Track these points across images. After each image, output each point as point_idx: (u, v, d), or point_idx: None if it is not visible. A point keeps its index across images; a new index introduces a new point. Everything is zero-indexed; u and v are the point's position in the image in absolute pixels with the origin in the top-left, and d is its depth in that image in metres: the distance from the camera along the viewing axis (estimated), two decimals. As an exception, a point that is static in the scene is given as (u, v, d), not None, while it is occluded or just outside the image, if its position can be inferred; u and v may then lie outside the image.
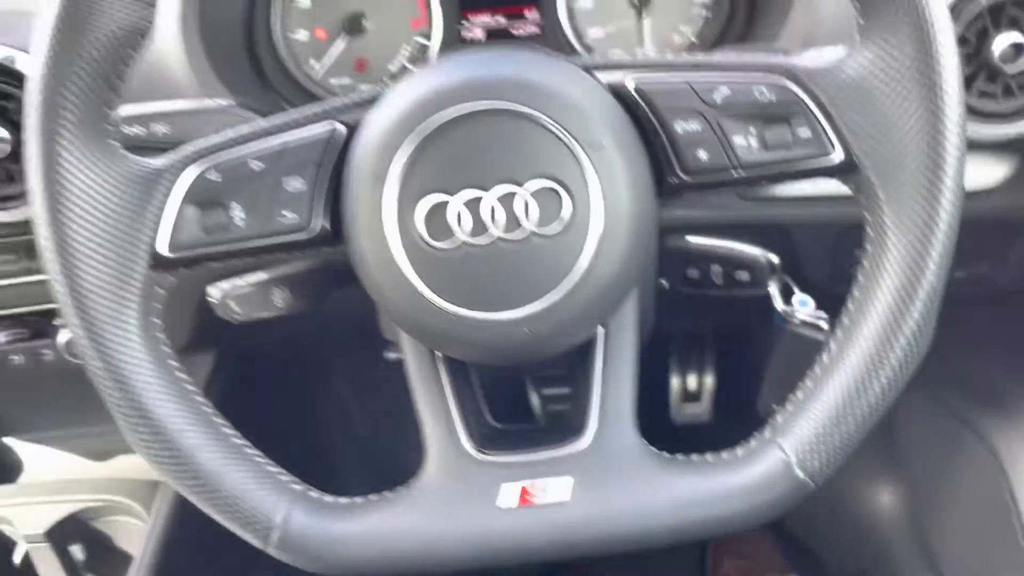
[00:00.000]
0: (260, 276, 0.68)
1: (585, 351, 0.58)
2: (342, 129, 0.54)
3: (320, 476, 0.61)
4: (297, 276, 0.69)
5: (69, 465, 1.09)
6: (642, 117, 0.54)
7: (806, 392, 0.53)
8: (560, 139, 0.50)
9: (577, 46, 0.86)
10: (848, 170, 0.52)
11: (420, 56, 0.87)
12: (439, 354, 0.58)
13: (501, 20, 0.86)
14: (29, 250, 0.78)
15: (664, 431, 0.85)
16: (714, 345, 1.32)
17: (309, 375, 1.36)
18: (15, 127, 0.71)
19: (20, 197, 0.73)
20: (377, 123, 0.52)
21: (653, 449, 0.56)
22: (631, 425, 0.56)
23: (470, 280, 0.51)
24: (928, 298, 0.50)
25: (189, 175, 0.53)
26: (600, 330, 0.57)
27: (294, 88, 0.87)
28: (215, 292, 0.67)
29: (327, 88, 0.87)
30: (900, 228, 0.50)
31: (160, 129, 0.65)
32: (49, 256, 0.52)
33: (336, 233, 0.55)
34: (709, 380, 1.36)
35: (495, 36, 0.86)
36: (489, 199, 0.50)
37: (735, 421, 1.06)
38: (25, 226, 0.75)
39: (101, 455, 1.11)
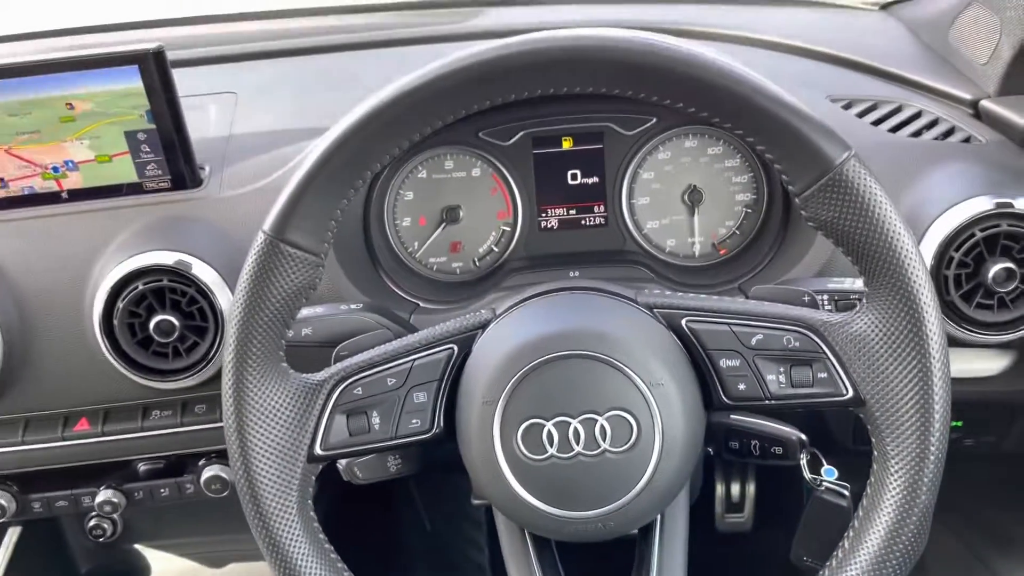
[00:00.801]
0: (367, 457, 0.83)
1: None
2: (457, 351, 0.70)
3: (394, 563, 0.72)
4: (408, 447, 0.85)
5: (188, 570, 1.25)
6: (692, 350, 0.69)
7: None
8: (630, 379, 0.65)
9: (637, 236, 1.02)
10: (857, 404, 0.66)
11: (505, 241, 1.03)
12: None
13: (572, 213, 1.02)
14: (184, 408, 0.95)
15: (709, 540, 0.97)
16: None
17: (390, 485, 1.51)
18: (183, 314, 0.88)
19: (185, 371, 0.89)
20: (487, 358, 0.67)
21: None
22: None
23: (557, 486, 0.66)
24: (922, 513, 0.63)
25: (339, 390, 0.69)
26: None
27: (398, 265, 1.03)
28: (341, 462, 0.82)
29: (425, 264, 1.04)
30: (899, 457, 0.64)
31: (305, 331, 0.81)
32: (234, 455, 0.68)
33: (449, 433, 0.71)
34: (751, 489, 1.47)
35: (567, 226, 1.02)
36: (575, 424, 0.65)
37: (773, 530, 1.17)
38: (185, 391, 0.92)
39: (216, 562, 1.27)
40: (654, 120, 0.99)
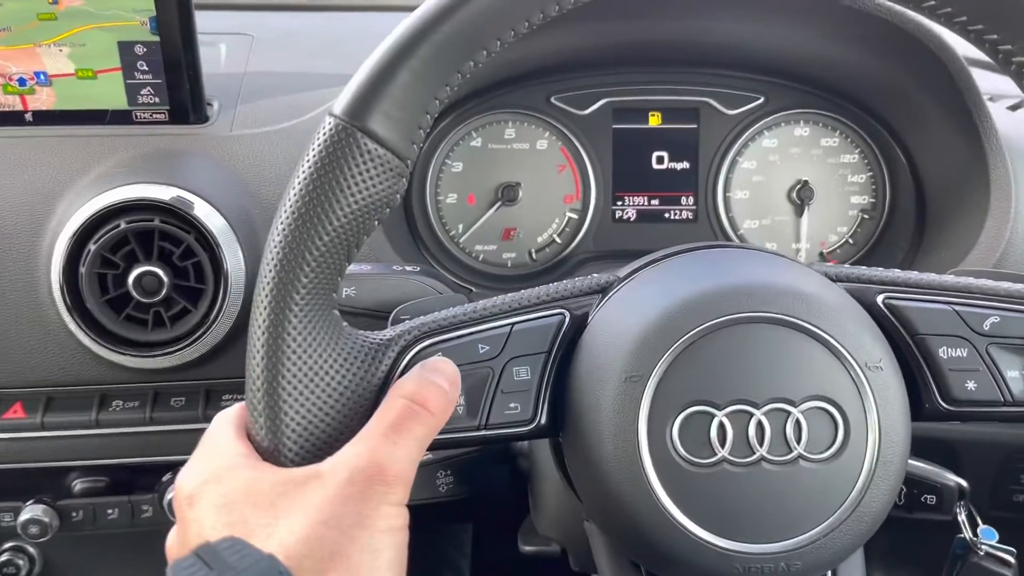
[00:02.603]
0: (427, 456, 0.62)
1: None
2: (568, 319, 0.51)
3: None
4: (462, 461, 0.64)
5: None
6: (894, 335, 0.50)
7: None
8: (837, 357, 0.46)
9: (732, 236, 0.85)
10: None
11: (571, 231, 0.85)
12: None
13: (655, 203, 0.85)
14: (155, 400, 0.72)
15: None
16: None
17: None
18: (174, 270, 0.67)
19: (166, 345, 0.68)
20: (625, 324, 0.48)
21: None
22: None
23: (726, 503, 0.46)
24: None
25: (411, 354, 0.49)
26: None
27: (439, 249, 0.84)
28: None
29: (470, 252, 0.85)
30: None
31: (347, 291, 0.61)
32: (257, 432, 0.47)
33: (554, 426, 0.51)
34: None
35: (647, 218, 0.85)
36: (758, 415, 0.46)
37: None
38: (160, 374, 0.70)
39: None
40: (761, 99, 0.84)
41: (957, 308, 0.50)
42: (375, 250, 0.72)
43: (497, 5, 0.46)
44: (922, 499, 0.69)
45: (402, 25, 0.46)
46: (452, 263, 0.84)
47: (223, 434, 0.47)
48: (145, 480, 0.78)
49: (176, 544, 0.44)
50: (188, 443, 0.72)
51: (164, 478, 0.76)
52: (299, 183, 0.46)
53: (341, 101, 0.46)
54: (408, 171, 0.48)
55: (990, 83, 0.81)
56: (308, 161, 0.46)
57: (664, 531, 0.46)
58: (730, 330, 0.46)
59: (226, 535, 0.40)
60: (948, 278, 0.52)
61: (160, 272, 0.66)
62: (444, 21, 0.45)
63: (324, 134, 0.46)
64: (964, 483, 0.68)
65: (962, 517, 0.69)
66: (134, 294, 0.66)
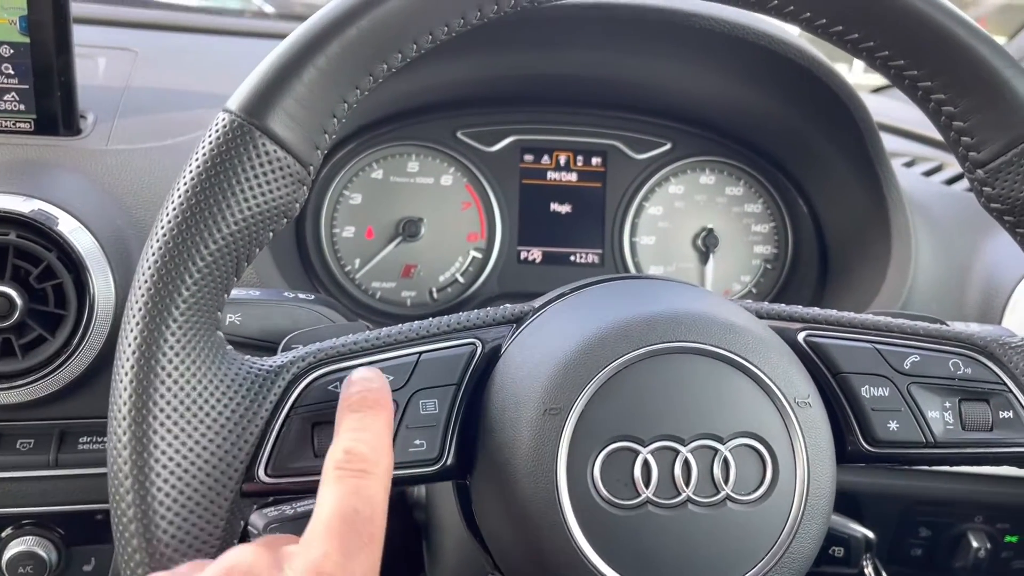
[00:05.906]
0: (308, 505, 0.56)
1: None
2: (480, 350, 0.47)
3: None
4: (397, 485, 0.58)
5: None
6: (816, 374, 0.49)
7: None
8: (766, 392, 0.44)
9: (637, 281, 0.83)
10: None
11: (474, 271, 0.81)
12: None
13: (561, 246, 0.82)
14: (2, 441, 0.63)
15: None
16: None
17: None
18: (28, 292, 0.59)
19: (16, 376, 0.59)
20: (543, 354, 0.44)
21: None
22: None
23: (649, 549, 0.42)
24: None
25: (303, 384, 0.44)
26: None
27: (334, 285, 0.79)
28: (258, 521, 0.54)
29: (367, 290, 0.80)
30: None
31: (231, 318, 0.55)
32: (118, 472, 0.40)
33: (461, 467, 0.46)
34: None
35: (552, 260, 0.82)
36: (685, 453, 0.43)
37: None
38: (5, 411, 0.62)
39: None
40: (668, 145, 0.83)
41: (878, 347, 0.49)
42: (265, 282, 0.66)
43: (415, 5, 0.42)
44: (830, 551, 0.67)
45: (310, 19, 0.43)
46: (347, 300, 0.79)
47: None
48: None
49: None
50: (36, 493, 0.63)
51: (4, 533, 0.66)
52: (185, 183, 0.41)
53: (238, 96, 0.42)
54: (310, 179, 0.43)
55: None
56: (197, 159, 0.41)
57: (577, 580, 0.42)
58: (657, 360, 0.43)
59: None
60: (868, 316, 0.51)
61: (13, 293, 0.58)
62: (357, 17, 0.42)
63: (217, 130, 0.41)
64: (871, 535, 0.67)
65: (869, 571, 0.67)
66: (-21, 317, 0.58)
